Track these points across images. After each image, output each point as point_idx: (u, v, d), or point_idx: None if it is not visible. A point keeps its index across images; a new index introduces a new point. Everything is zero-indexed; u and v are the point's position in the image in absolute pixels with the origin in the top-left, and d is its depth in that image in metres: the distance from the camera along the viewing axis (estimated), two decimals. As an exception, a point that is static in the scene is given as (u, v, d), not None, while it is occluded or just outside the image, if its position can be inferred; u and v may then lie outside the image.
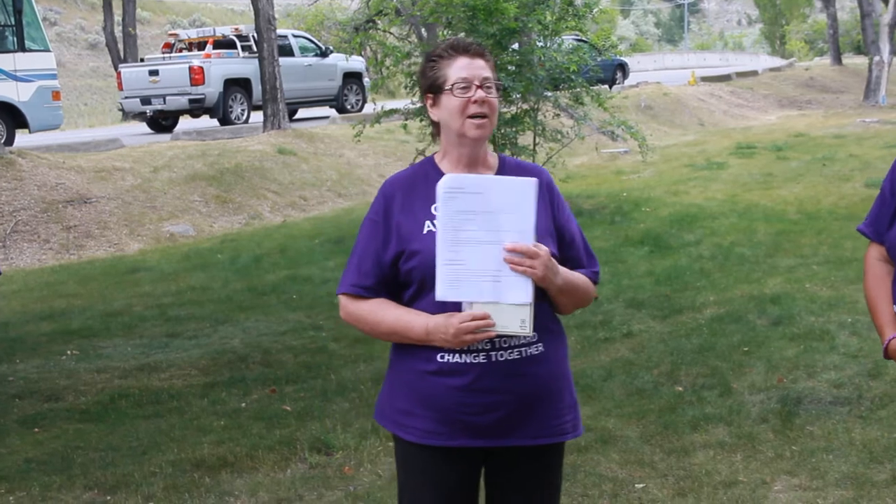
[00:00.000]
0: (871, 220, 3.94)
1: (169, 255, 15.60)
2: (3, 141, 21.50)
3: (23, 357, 9.73)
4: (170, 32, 31.96)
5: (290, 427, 7.43)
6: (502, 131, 15.34)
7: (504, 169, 3.84)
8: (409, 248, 3.65)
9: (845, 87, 43.48)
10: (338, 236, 15.15)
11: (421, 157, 14.58)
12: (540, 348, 3.72)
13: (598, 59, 17.85)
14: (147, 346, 10.09)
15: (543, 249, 3.52)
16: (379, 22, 19.50)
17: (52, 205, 17.41)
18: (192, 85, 27.06)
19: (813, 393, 7.59)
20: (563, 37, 16.49)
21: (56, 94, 24.15)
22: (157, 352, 9.85)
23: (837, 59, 54.10)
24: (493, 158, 3.88)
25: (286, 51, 27.68)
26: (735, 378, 8.03)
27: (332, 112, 29.45)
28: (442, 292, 3.50)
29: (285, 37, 28.47)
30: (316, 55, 30.25)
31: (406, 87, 16.70)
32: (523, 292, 3.50)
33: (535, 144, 16.21)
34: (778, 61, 58.02)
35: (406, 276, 3.68)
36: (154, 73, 27.80)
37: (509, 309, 3.49)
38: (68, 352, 10.01)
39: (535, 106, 16.00)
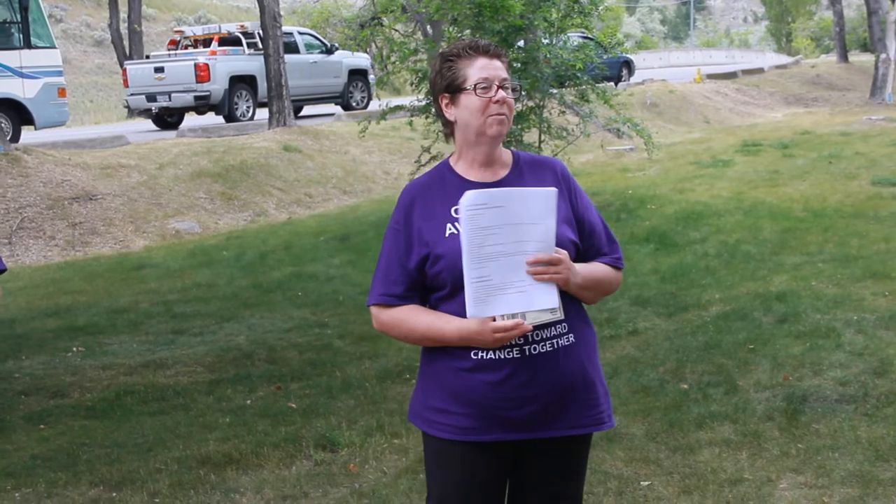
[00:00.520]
0: None
1: (174, 251, 15.62)
2: (9, 138, 21.53)
3: (28, 354, 9.75)
4: (175, 29, 32.01)
5: (295, 424, 7.43)
6: (514, 126, 15.39)
7: (518, 164, 3.87)
8: (433, 252, 3.68)
9: (852, 84, 43.48)
10: (343, 233, 15.18)
11: (426, 154, 14.64)
12: (571, 339, 3.76)
13: (604, 56, 17.86)
14: (153, 343, 10.11)
15: (563, 254, 3.58)
16: (384, 19, 19.47)
17: (58, 201, 17.44)
18: (197, 82, 27.07)
19: (819, 391, 7.57)
20: (569, 34, 16.50)
21: (62, 91, 24.16)
22: (162, 349, 9.86)
23: (844, 57, 54.08)
24: (507, 156, 3.90)
25: (291, 48, 27.69)
26: (741, 376, 8.02)
27: (338, 109, 29.48)
28: (472, 311, 3.52)
29: (290, 34, 28.49)
30: (321, 52, 30.26)
31: (412, 84, 16.68)
32: (550, 297, 3.56)
33: (540, 141, 16.21)
34: (784, 59, 58.00)
35: (434, 280, 3.71)
36: (159, 69, 27.82)
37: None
38: (74, 348, 10.02)
39: (541, 103, 16.00)
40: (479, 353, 3.65)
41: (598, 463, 6.41)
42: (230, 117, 27.16)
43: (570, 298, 3.73)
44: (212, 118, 27.18)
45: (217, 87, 27.14)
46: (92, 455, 7.07)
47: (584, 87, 16.27)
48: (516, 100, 15.29)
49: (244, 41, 28.44)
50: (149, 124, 27.82)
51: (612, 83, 19.37)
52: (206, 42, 28.83)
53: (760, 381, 7.89)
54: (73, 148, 20.77)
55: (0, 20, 22.80)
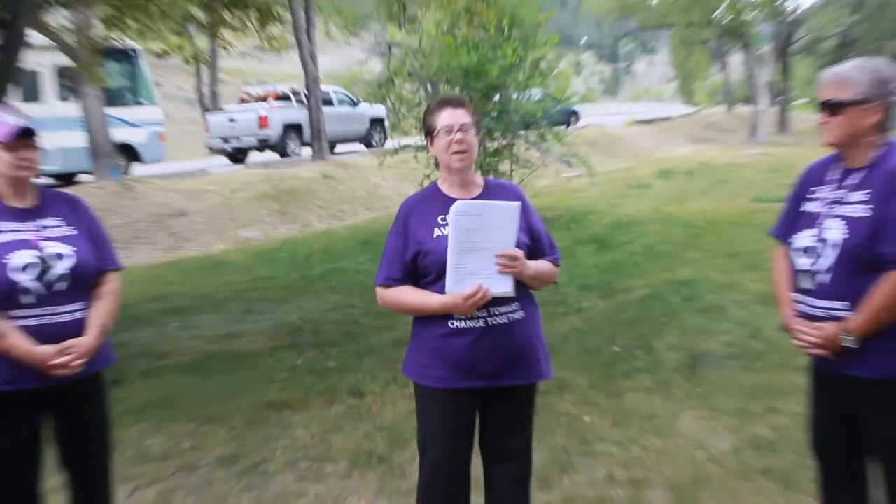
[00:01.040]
0: (779, 226, 3.87)
1: (244, 253, 15.62)
2: (126, 172, 21.58)
3: (140, 328, 9.76)
4: (243, 90, 31.91)
5: (332, 378, 7.46)
6: (487, 160, 15.43)
7: (488, 187, 4.00)
8: (423, 249, 3.80)
9: (736, 128, 43.46)
10: (366, 239, 15.19)
11: (428, 180, 14.63)
12: (521, 315, 3.85)
13: (557, 107, 17.85)
14: (229, 320, 10.13)
15: (520, 254, 3.70)
16: (396, 80, 19.51)
17: (160, 217, 17.44)
18: (259, 128, 27.06)
19: (712, 350, 7.66)
20: (532, 91, 16.51)
21: (161, 136, 24.24)
22: (236, 324, 9.88)
23: (730, 107, 54.14)
24: (479, 179, 4.03)
25: (328, 102, 27.64)
26: (656, 340, 8.07)
27: (362, 147, 29.43)
28: (451, 289, 3.67)
29: (327, 92, 28.44)
30: (350, 105, 30.21)
31: (416, 129, 16.72)
32: (507, 284, 3.68)
33: (511, 170, 16.24)
34: (688, 109, 57.93)
35: (423, 269, 3.83)
36: (232, 119, 27.79)
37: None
38: (172, 324, 10.05)
39: (512, 142, 16.05)
40: (455, 323, 3.77)
41: (553, 405, 6.42)
42: (283, 154, 27.09)
43: (522, 285, 3.81)
44: (270, 155, 27.16)
45: (274, 132, 27.12)
46: (187, 400, 7.13)
47: (543, 129, 16.32)
48: (491, 138, 15.35)
49: (293, 98, 28.39)
50: (224, 160, 27.77)
51: (563, 127, 19.30)
52: (265, 99, 28.81)
53: (670, 344, 7.95)
54: (169, 178, 20.76)
55: (119, 87, 22.83)
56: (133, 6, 11.79)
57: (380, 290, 3.93)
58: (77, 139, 20.72)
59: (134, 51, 22.31)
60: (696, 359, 7.43)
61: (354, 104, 30.45)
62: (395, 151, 17.26)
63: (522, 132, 16.14)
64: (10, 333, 3.77)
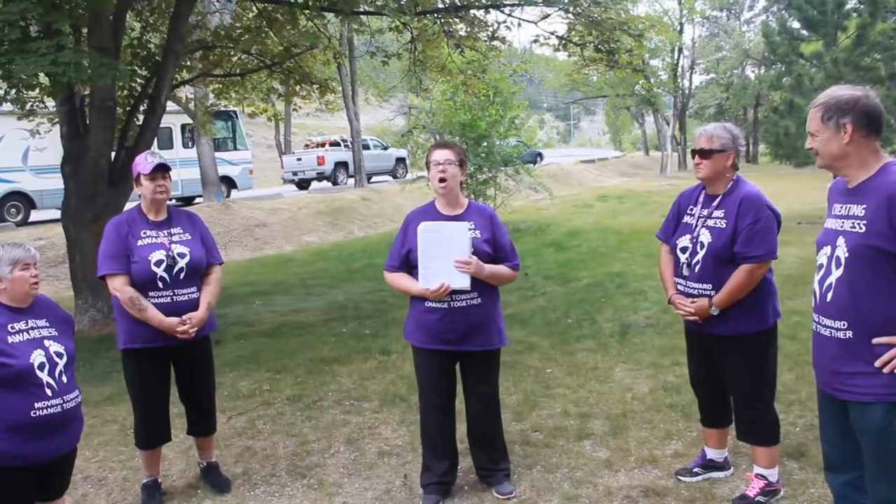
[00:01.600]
0: (663, 230, 4.03)
1: (306, 253, 15.55)
2: (226, 195, 21.62)
3: (234, 305, 9.72)
4: (307, 139, 31.94)
5: (368, 341, 7.39)
6: (478, 187, 15.45)
7: (470, 207, 3.99)
8: (413, 249, 3.83)
9: (651, 166, 43.36)
10: (392, 243, 15.11)
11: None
12: (478, 300, 3.84)
13: (527, 150, 17.84)
14: (295, 300, 10.07)
15: (473, 259, 3.74)
16: (414, 132, 19.54)
17: (248, 227, 17.40)
18: (318, 165, 27.11)
19: (636, 321, 7.57)
20: (510, 139, 16.52)
21: (251, 171, 24.28)
22: (300, 302, 9.82)
23: (647, 153, 54.12)
24: (464, 201, 4.01)
25: (366, 146, 27.66)
26: (597, 314, 7.98)
27: (390, 178, 29.41)
28: (422, 284, 3.76)
29: (365, 139, 28.46)
30: (381, 149, 30.22)
31: (428, 166, 16.70)
32: (464, 281, 3.74)
33: (495, 194, 16.20)
34: (618, 153, 57.83)
35: (413, 263, 3.86)
36: (299, 159, 27.83)
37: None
38: (256, 302, 9.99)
39: (495, 174, 16.01)
40: (429, 304, 3.82)
41: (524, 360, 6.37)
42: (335, 183, 27.07)
43: (482, 281, 3.81)
44: (325, 184, 27.14)
45: (328, 167, 27.15)
46: (266, 356, 7.07)
47: (517, 166, 16.32)
48: (480, 172, 15.29)
49: (342, 144, 28.44)
50: (293, 188, 27.75)
51: (531, 164, 19.35)
52: (323, 144, 28.82)
53: (607, 317, 7.86)
54: (255, 200, 20.74)
55: (223, 137, 22.97)
56: (234, 84, 11.92)
57: (385, 273, 4.04)
58: (194, 173, 20.79)
59: (234, 112, 22.33)
60: (625, 328, 7.35)
61: (385, 148, 30.50)
62: (413, 181, 17.33)
63: (503, 168, 16.12)
64: (149, 308, 3.87)
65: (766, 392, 3.75)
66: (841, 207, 2.76)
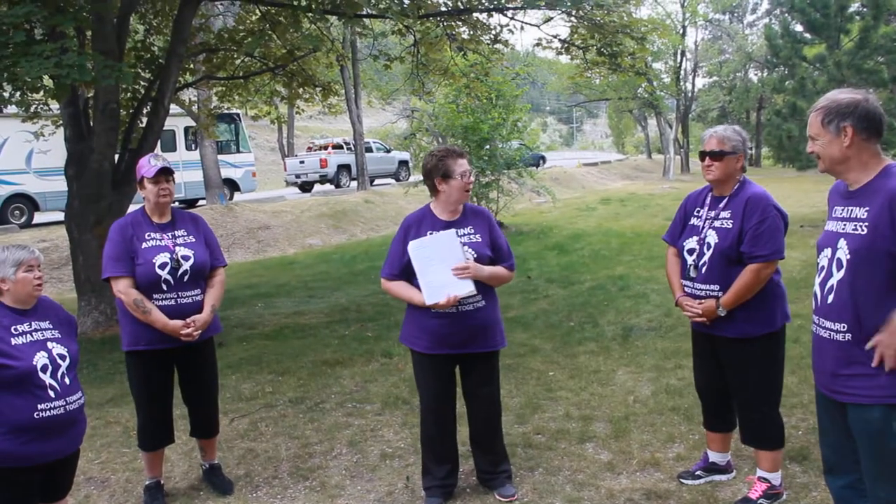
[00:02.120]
0: (669, 233, 4.02)
1: (309, 255, 15.55)
2: (229, 198, 21.67)
3: (236, 307, 9.72)
4: (310, 142, 31.99)
5: (370, 344, 7.40)
6: (481, 190, 15.43)
7: (466, 211, 3.98)
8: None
9: (654, 169, 43.40)
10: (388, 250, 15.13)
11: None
12: (482, 303, 3.85)
13: (530, 153, 17.83)
14: (298, 302, 10.06)
15: (471, 262, 3.75)
16: (416, 135, 19.56)
17: (251, 230, 17.41)
18: (321, 168, 27.17)
19: (638, 325, 7.56)
20: (512, 142, 16.50)
21: (254, 174, 24.39)
22: (302, 305, 9.81)
23: (649, 155, 54.13)
24: (460, 206, 3.98)
25: (369, 149, 27.69)
26: (600, 318, 7.98)
27: (392, 181, 29.44)
28: (428, 300, 3.72)
29: (368, 142, 28.49)
30: (384, 151, 30.27)
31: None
32: (468, 286, 3.73)
33: (497, 197, 16.20)
34: (621, 156, 57.86)
35: (413, 270, 3.80)
36: (302, 162, 27.89)
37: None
38: (258, 304, 9.99)
39: (498, 177, 15.99)
40: (436, 310, 3.78)
41: (527, 363, 6.37)
42: (337, 185, 27.12)
43: (484, 283, 3.83)
44: (328, 187, 27.18)
45: (331, 170, 27.22)
46: (268, 358, 7.07)
47: (520, 169, 16.27)
48: (483, 175, 15.36)
49: (345, 146, 28.49)
50: (296, 190, 27.81)
51: (534, 167, 19.35)
52: (326, 147, 28.85)
53: (610, 320, 7.86)
54: (258, 202, 20.77)
55: (226, 140, 23.03)
56: (237, 86, 11.96)
57: (383, 281, 3.96)
58: (197, 176, 20.84)
59: (237, 115, 22.41)
60: (627, 330, 7.35)
61: (387, 151, 30.57)
62: (416, 184, 17.28)
63: (505, 171, 16.10)
64: (153, 310, 3.87)
65: (772, 396, 3.73)
66: (842, 210, 2.76)
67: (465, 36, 11.25)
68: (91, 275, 8.24)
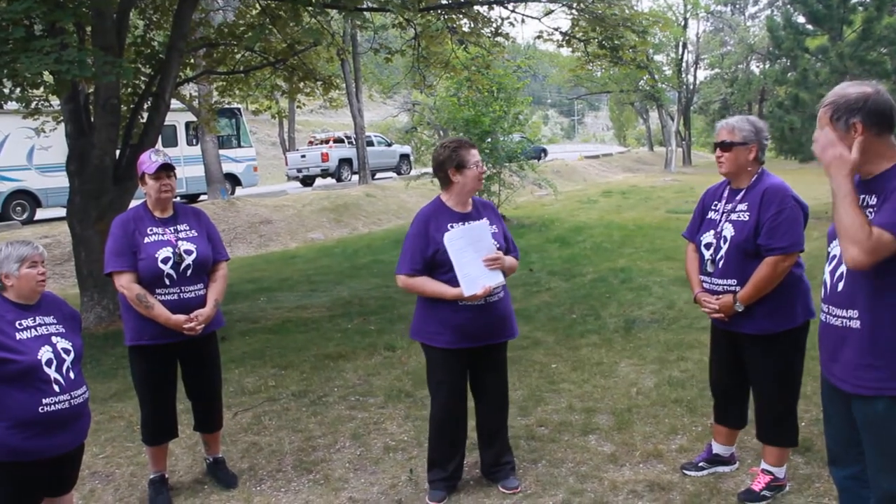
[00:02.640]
0: (688, 229, 3.95)
1: (311, 249, 15.56)
2: (231, 193, 21.67)
3: (238, 301, 9.73)
4: (311, 135, 31.96)
5: (373, 337, 7.41)
6: (484, 183, 15.42)
7: (475, 204, 3.98)
8: (441, 248, 3.73)
9: (655, 162, 43.33)
10: (397, 239, 15.13)
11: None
12: (501, 294, 3.85)
13: (531, 146, 17.81)
14: (300, 296, 10.07)
15: (500, 254, 3.77)
16: (418, 128, 19.60)
17: (253, 224, 17.42)
18: (322, 162, 27.14)
19: (640, 317, 7.58)
20: (513, 135, 16.48)
21: (255, 168, 24.41)
22: (305, 299, 9.83)
23: (651, 148, 54.03)
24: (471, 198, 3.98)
25: (370, 143, 27.65)
26: (602, 310, 8.00)
27: (394, 174, 29.43)
28: (466, 292, 3.68)
29: (369, 136, 28.45)
30: (385, 145, 30.22)
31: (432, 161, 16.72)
32: (499, 276, 3.77)
33: (499, 190, 16.20)
34: (622, 148, 57.77)
35: (439, 263, 3.75)
36: (303, 156, 27.86)
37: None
38: (261, 299, 10.00)
39: (499, 170, 16.00)
40: (463, 304, 3.75)
41: (529, 356, 6.38)
42: (339, 179, 27.09)
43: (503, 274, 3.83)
44: (329, 181, 27.16)
45: (332, 164, 27.19)
46: (271, 352, 7.09)
47: (521, 162, 16.26)
48: (485, 167, 15.44)
49: (346, 140, 28.44)
50: (297, 184, 27.80)
51: (535, 160, 19.34)
52: (327, 141, 28.82)
53: (612, 312, 7.87)
54: (259, 197, 20.77)
55: (227, 135, 23.03)
56: (238, 81, 11.95)
57: (404, 278, 3.84)
58: (198, 171, 20.84)
59: (238, 110, 22.38)
60: (630, 323, 7.37)
61: (389, 145, 30.53)
62: (417, 178, 17.35)
63: (507, 164, 16.11)
64: (156, 305, 3.87)
65: (791, 394, 3.67)
66: (876, 216, 2.67)
67: (465, 29, 11.24)
68: (93, 270, 8.26)
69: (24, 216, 18.46)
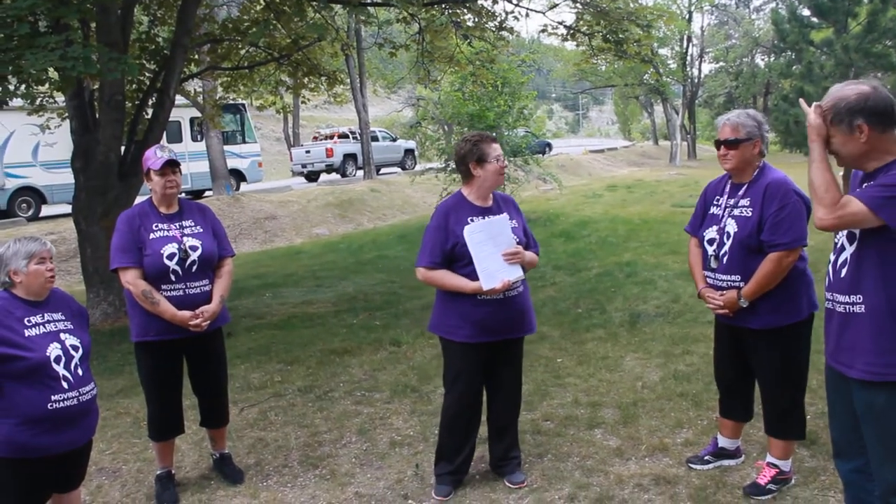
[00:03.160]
0: (690, 223, 3.95)
1: (316, 245, 15.57)
2: (236, 188, 21.71)
3: (244, 297, 9.75)
4: (315, 131, 31.96)
5: (378, 332, 7.41)
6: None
7: (496, 198, 3.97)
8: (460, 241, 3.73)
9: (660, 156, 43.24)
10: (402, 234, 15.14)
11: (446, 192, 14.60)
12: (522, 289, 3.87)
13: (536, 140, 17.79)
14: (305, 292, 10.07)
15: (520, 248, 3.78)
16: (422, 123, 19.57)
17: (258, 220, 17.44)
18: (326, 157, 27.14)
19: (646, 311, 7.57)
20: (518, 129, 16.44)
21: (260, 164, 24.46)
22: (310, 294, 9.83)
23: (656, 142, 53.93)
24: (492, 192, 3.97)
25: (375, 138, 27.67)
26: (607, 304, 7.99)
27: (398, 169, 29.42)
28: (486, 286, 3.67)
29: (374, 131, 28.46)
30: (390, 140, 30.22)
31: (437, 157, 16.68)
32: (518, 270, 3.77)
33: (504, 185, 16.17)
34: (627, 143, 57.62)
35: (458, 256, 3.76)
36: (308, 151, 27.85)
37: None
38: (266, 294, 10.01)
39: (504, 165, 15.96)
40: (483, 298, 3.75)
41: (535, 350, 6.37)
42: (343, 175, 27.10)
43: (522, 268, 3.82)
44: (334, 176, 27.17)
45: (337, 159, 27.19)
46: (277, 348, 7.09)
47: (526, 156, 16.22)
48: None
49: (350, 136, 28.43)
50: (302, 180, 27.81)
51: (540, 154, 19.32)
52: (332, 136, 28.81)
53: (617, 307, 7.87)
54: (264, 192, 20.79)
55: (231, 131, 23.03)
56: (242, 76, 11.96)
57: (424, 271, 3.83)
58: (203, 167, 20.87)
59: (242, 105, 22.39)
60: (635, 317, 7.36)
61: (393, 140, 30.52)
62: (422, 173, 17.31)
63: (512, 158, 16.06)
64: (162, 301, 3.87)
65: (797, 388, 3.67)
66: (860, 189, 2.70)
67: (470, 23, 11.21)
68: (99, 266, 8.28)
69: (30, 213, 18.52)
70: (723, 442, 4.05)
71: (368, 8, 10.34)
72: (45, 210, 18.94)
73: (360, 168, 26.68)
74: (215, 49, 10.97)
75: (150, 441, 4.24)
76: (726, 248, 3.62)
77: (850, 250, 2.67)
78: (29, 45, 6.41)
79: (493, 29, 11.42)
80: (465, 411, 3.94)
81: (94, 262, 8.46)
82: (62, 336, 3.14)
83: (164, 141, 9.13)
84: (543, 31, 11.71)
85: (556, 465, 4.17)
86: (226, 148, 21.30)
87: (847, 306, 2.68)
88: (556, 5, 11.15)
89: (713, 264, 3.69)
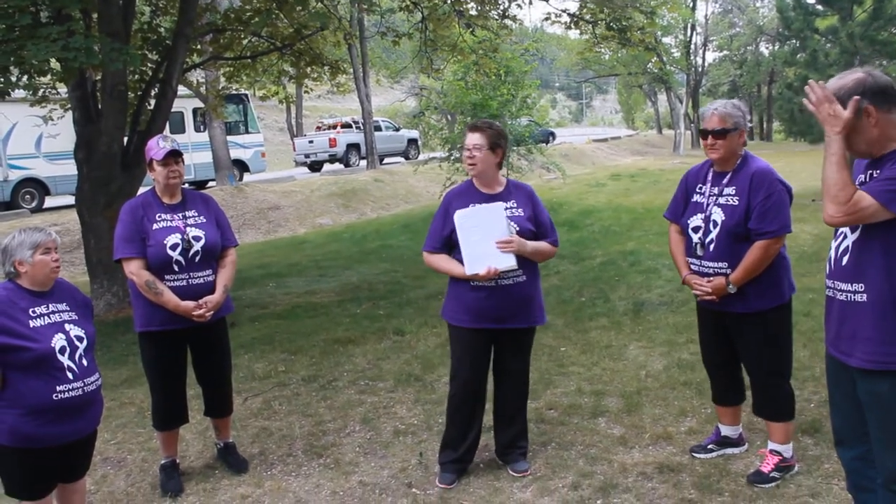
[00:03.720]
0: (671, 210, 4.01)
1: (320, 235, 15.58)
2: (239, 179, 21.71)
3: (247, 287, 9.76)
4: (318, 121, 31.95)
5: (382, 321, 7.42)
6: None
7: (508, 186, 3.99)
8: (455, 229, 3.78)
9: (664, 145, 43.15)
10: (405, 224, 15.13)
11: (449, 182, 14.58)
12: (523, 278, 3.83)
13: (539, 129, 17.73)
14: (309, 281, 10.09)
15: (515, 237, 3.72)
16: (425, 112, 19.52)
17: (261, 210, 17.47)
18: (330, 147, 27.12)
19: (650, 299, 7.56)
20: (521, 119, 16.39)
21: (263, 154, 24.44)
22: (314, 284, 9.84)
23: (659, 131, 53.83)
24: (503, 180, 4.01)
25: (378, 128, 27.60)
26: (611, 293, 7.99)
27: (402, 159, 29.37)
28: (469, 270, 3.72)
29: (377, 121, 28.40)
30: (393, 130, 30.17)
31: (441, 146, 16.66)
32: (508, 260, 3.70)
33: (507, 174, 16.13)
34: (630, 132, 57.48)
35: (455, 242, 3.80)
36: (311, 141, 27.85)
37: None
38: (270, 284, 10.03)
39: (508, 154, 15.92)
40: (475, 283, 3.76)
41: (539, 339, 6.30)
42: (347, 165, 27.08)
43: (527, 259, 3.80)
44: (337, 166, 27.15)
45: (340, 149, 27.16)
46: (281, 338, 7.10)
47: (529, 146, 16.17)
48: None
49: (354, 125, 28.41)
50: (305, 170, 27.80)
51: (544, 143, 19.26)
52: (335, 126, 28.78)
53: (621, 295, 7.86)
54: (268, 183, 20.79)
55: (234, 121, 23.00)
56: (245, 66, 11.94)
57: (425, 254, 3.96)
58: (206, 157, 20.87)
59: (245, 96, 22.36)
60: (639, 305, 7.35)
61: (396, 129, 30.47)
62: (425, 162, 17.27)
63: (515, 147, 16.03)
64: (165, 291, 3.88)
65: (784, 367, 3.76)
66: (863, 176, 2.70)
67: (472, 12, 11.18)
68: (103, 257, 8.29)
69: (33, 204, 18.55)
70: (725, 430, 4.07)
71: (371, -3, 10.31)
72: (49, 201, 18.97)
73: (363, 158, 26.64)
74: (218, 39, 10.94)
75: (155, 431, 4.26)
76: (713, 235, 3.68)
77: (851, 238, 2.66)
78: (31, 36, 6.40)
79: (497, 17, 11.39)
80: (469, 398, 3.94)
81: (97, 253, 8.48)
82: (67, 327, 3.15)
83: (167, 131, 9.12)
84: (547, 19, 11.70)
85: (560, 453, 4.18)
86: (229, 138, 21.30)
87: (848, 294, 2.67)
88: (559, -7, 11.09)
89: (699, 252, 3.76)
